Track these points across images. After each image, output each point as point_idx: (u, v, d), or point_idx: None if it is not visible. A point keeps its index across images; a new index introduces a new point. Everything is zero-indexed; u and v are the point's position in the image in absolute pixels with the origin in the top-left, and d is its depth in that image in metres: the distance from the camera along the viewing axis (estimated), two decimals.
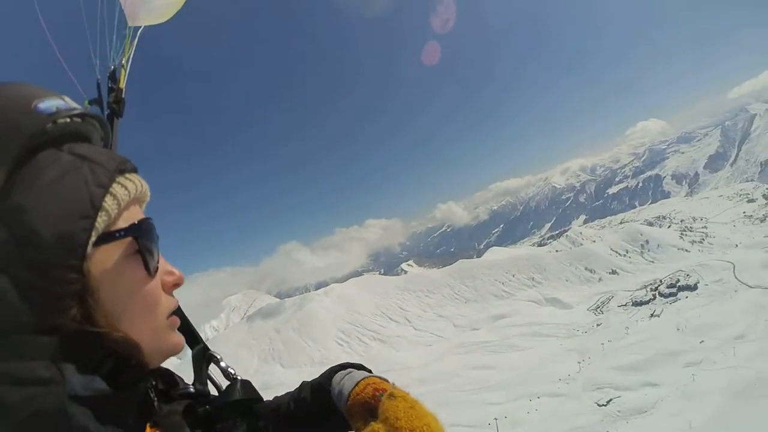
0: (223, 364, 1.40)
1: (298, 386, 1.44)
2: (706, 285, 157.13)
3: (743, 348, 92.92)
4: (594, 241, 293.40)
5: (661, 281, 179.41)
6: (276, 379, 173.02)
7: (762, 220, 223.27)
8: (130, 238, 0.86)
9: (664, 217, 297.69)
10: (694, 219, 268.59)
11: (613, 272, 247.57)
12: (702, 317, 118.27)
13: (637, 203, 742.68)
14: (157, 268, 0.94)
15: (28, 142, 0.77)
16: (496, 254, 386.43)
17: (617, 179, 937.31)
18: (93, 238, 0.79)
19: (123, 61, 2.20)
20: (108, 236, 0.83)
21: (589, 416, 77.19)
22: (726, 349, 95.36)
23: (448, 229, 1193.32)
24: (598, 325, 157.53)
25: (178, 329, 1.06)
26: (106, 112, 2.01)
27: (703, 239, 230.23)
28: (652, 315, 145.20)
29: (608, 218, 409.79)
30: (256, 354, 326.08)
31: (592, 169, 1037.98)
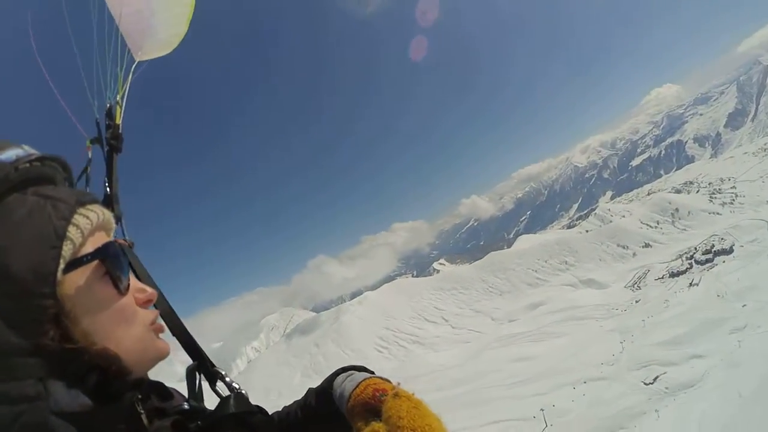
0: (228, 379, 1.46)
1: (304, 394, 1.49)
2: (742, 246, 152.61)
3: None
4: (623, 216, 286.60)
5: (695, 249, 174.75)
6: None
7: None
8: (97, 261, 0.97)
9: (691, 183, 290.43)
10: (722, 180, 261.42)
11: (647, 245, 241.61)
12: (741, 281, 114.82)
13: (662, 172, 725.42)
14: (128, 286, 1.05)
15: None
16: (525, 242, 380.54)
17: (639, 150, 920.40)
18: (62, 266, 0.90)
19: (118, 98, 2.27)
20: (76, 262, 0.94)
21: (636, 396, 75.46)
22: None
23: (475, 223, 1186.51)
24: (636, 301, 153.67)
25: (185, 348, 1.29)
26: (106, 149, 2.09)
27: (734, 200, 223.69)
28: (690, 284, 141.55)
29: (635, 191, 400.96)
30: (298, 370, 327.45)
31: (613, 144, 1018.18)
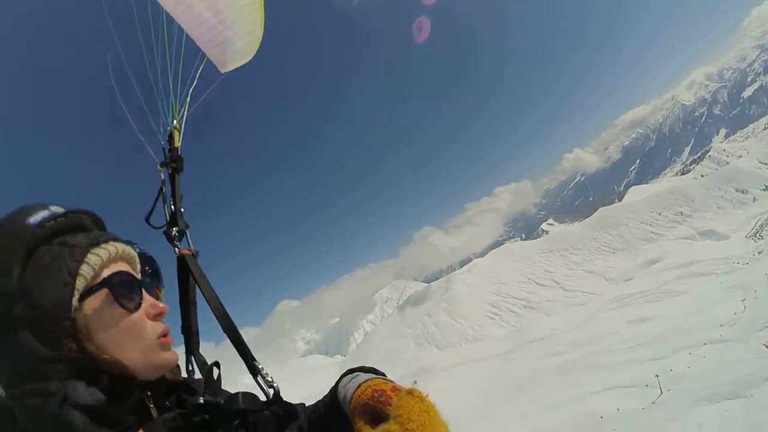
0: (263, 372, 1.66)
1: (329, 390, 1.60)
2: None
3: None
4: (740, 156, 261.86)
5: None
6: (432, 363, 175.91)
7: None
8: (105, 289, 1.30)
9: None
10: None
11: (767, 188, 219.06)
12: None
13: None
14: (139, 304, 1.37)
15: (26, 246, 1.25)
16: (637, 194, 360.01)
17: (749, 79, 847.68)
18: (76, 296, 1.25)
19: (175, 124, 2.65)
20: (88, 292, 1.28)
21: (757, 361, 70.31)
22: None
23: (582, 178, 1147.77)
24: (759, 252, 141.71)
25: (232, 343, 1.69)
26: (168, 171, 2.51)
27: None
28: None
29: (750, 126, 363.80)
30: (412, 340, 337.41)
31: (720, 75, 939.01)
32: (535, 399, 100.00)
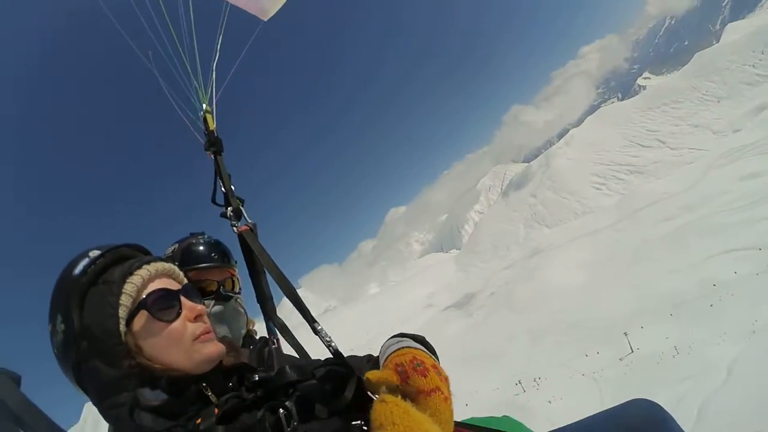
0: (322, 333, 1.73)
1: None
2: None
3: None
4: None
5: None
6: (544, 242, 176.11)
7: None
8: (143, 310, 1.52)
9: None
10: None
11: None
12: None
13: None
14: (179, 313, 1.57)
15: (78, 294, 1.49)
16: (735, 32, 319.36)
17: None
18: (122, 324, 1.48)
19: (206, 107, 2.81)
20: (131, 317, 1.51)
21: None
22: None
23: (672, 22, 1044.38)
24: None
25: (295, 306, 1.81)
26: (209, 155, 2.73)
27: None
28: None
29: None
30: (521, 223, 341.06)
31: None
32: (648, 268, 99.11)
